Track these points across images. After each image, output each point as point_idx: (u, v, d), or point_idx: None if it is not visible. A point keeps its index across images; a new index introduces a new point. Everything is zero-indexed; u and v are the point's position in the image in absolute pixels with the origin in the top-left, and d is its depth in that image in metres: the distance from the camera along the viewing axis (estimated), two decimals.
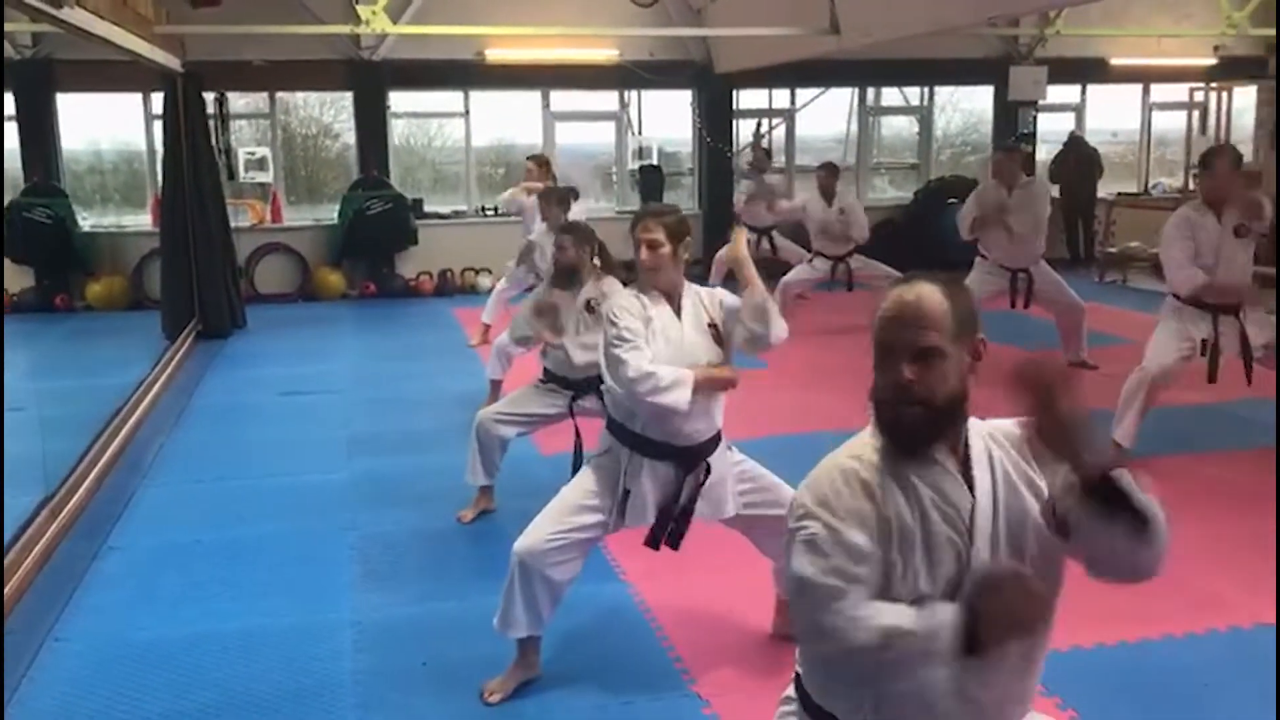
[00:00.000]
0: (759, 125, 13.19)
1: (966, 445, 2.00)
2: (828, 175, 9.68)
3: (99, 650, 3.91)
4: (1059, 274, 8.05)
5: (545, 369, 5.10)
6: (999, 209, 7.69)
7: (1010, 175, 7.80)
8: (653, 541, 3.56)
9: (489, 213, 12.43)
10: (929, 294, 1.93)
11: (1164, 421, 6.46)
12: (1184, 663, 3.71)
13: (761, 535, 3.67)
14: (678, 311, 3.52)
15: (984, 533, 1.95)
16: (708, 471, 3.54)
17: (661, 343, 3.44)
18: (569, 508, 3.53)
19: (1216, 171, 5.44)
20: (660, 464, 3.52)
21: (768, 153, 11.96)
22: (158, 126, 11.06)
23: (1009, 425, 2.01)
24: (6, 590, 4.21)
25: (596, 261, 5.01)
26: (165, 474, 5.99)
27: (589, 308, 4.89)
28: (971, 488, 1.97)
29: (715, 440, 3.59)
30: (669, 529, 3.54)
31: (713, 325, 3.52)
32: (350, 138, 12.78)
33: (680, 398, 3.35)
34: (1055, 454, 1.87)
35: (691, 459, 3.53)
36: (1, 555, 4.30)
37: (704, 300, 3.58)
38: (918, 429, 1.94)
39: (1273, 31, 11.86)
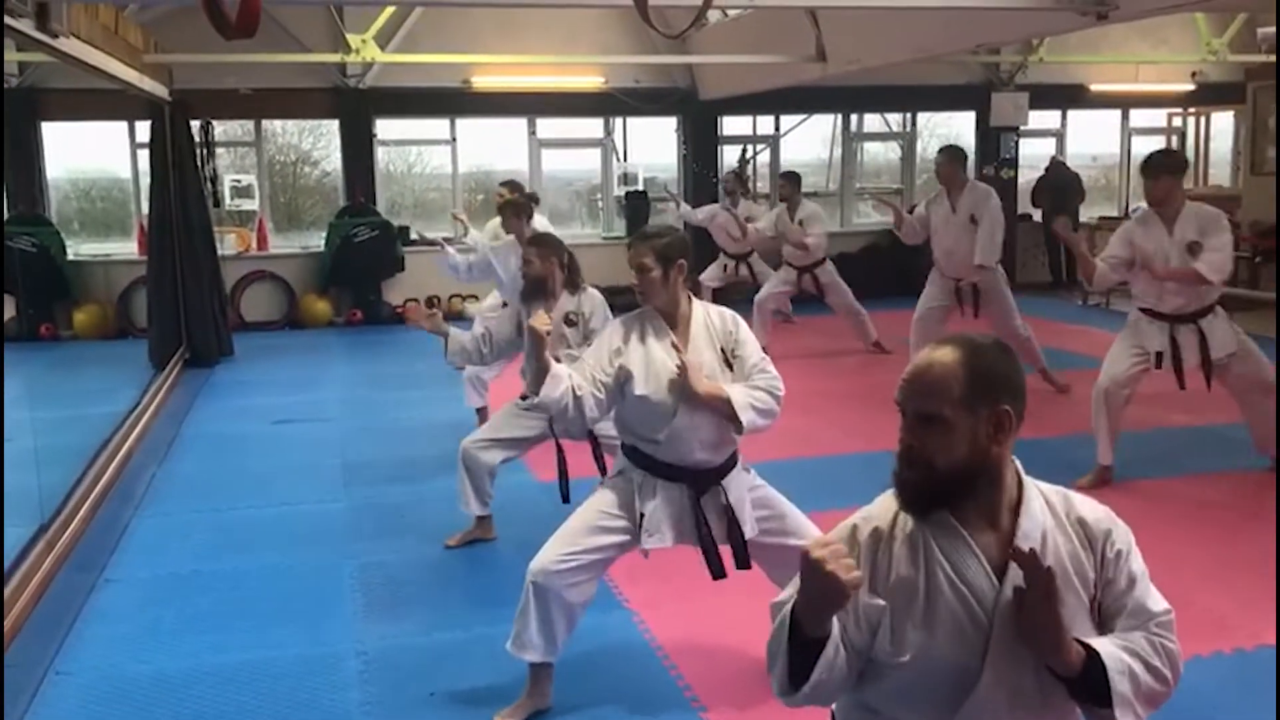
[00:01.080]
0: (744, 151, 13.29)
1: (1015, 523, 1.95)
2: (787, 185, 9.74)
3: (102, 683, 3.87)
4: (1018, 296, 8.11)
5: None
6: (916, 215, 7.95)
7: (949, 178, 7.77)
8: (716, 570, 3.56)
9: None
10: (942, 359, 1.91)
11: (1159, 444, 6.54)
12: (1190, 685, 3.69)
13: (772, 564, 3.66)
14: (684, 332, 3.50)
15: (1007, 621, 1.91)
16: (725, 494, 3.53)
17: (641, 367, 3.43)
18: (584, 528, 3.51)
19: (1156, 178, 5.55)
20: (673, 486, 3.51)
21: (743, 180, 11.96)
22: (143, 154, 11.07)
23: (1087, 509, 2.03)
24: (5, 623, 4.18)
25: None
26: (159, 504, 5.95)
27: (568, 321, 4.79)
28: (1003, 573, 1.92)
29: (730, 463, 3.57)
30: (716, 550, 3.55)
31: (726, 356, 3.51)
32: (330, 165, 12.81)
33: (542, 393, 3.40)
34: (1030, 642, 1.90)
35: (704, 482, 3.52)
36: (1, 589, 4.26)
37: (714, 322, 3.55)
38: (915, 493, 1.93)
39: (1251, 58, 12.04)
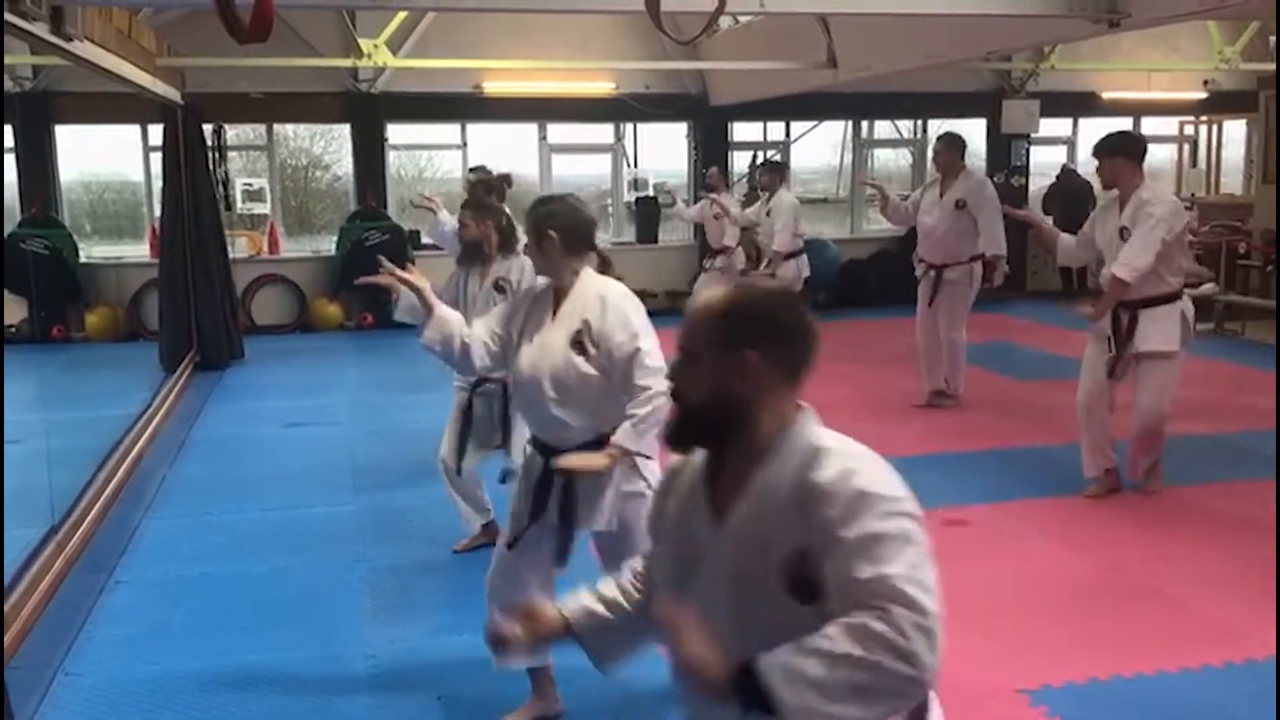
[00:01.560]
0: (754, 157, 13.30)
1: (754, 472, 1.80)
2: (766, 175, 9.69)
3: (111, 685, 3.88)
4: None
5: None
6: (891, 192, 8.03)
7: (946, 166, 7.72)
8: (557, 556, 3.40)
9: None
10: (710, 298, 1.88)
11: (1176, 453, 6.51)
12: (1202, 696, 3.70)
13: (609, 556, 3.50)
14: (556, 308, 3.33)
15: (713, 565, 1.82)
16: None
17: (526, 333, 3.35)
18: (509, 521, 3.50)
19: (1100, 159, 5.60)
20: (536, 459, 3.41)
21: (725, 178, 11.91)
22: (155, 158, 11.12)
23: (830, 472, 1.72)
24: (14, 625, 4.19)
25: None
26: (169, 507, 5.96)
27: (497, 287, 4.74)
28: (721, 522, 1.83)
29: (594, 445, 3.28)
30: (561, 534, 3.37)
31: (579, 338, 3.26)
32: (340, 169, 12.85)
33: (425, 334, 3.35)
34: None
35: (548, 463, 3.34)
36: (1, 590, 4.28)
37: (584, 301, 3.29)
38: (671, 428, 1.90)
39: (1264, 66, 12.00)
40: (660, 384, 3.08)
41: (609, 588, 2.12)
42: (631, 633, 2.12)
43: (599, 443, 3.26)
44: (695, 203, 11.56)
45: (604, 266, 3.43)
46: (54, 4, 5.20)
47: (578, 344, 3.26)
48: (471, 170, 7.95)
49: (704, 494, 1.88)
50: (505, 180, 7.28)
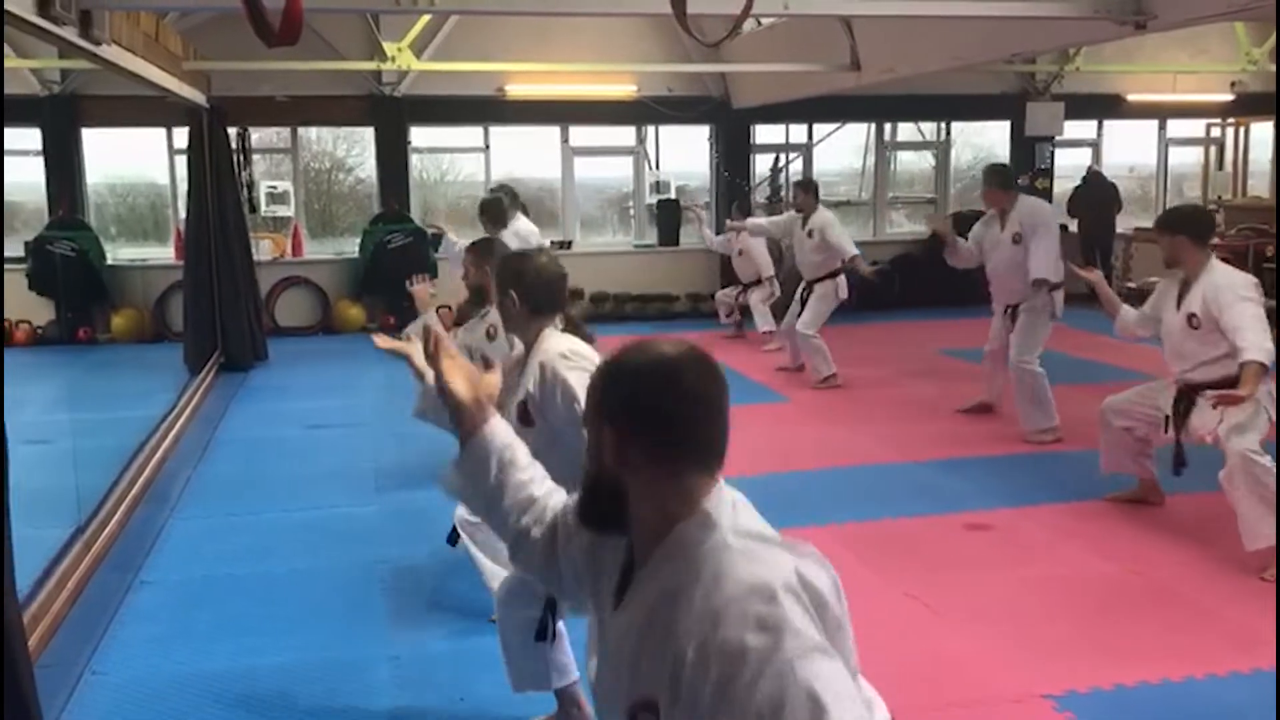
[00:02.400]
0: (776, 160, 13.29)
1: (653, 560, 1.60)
2: (799, 193, 9.31)
3: (137, 684, 3.90)
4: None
5: None
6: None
7: (992, 201, 7.22)
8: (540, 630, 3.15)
9: None
10: (603, 363, 1.70)
11: (1207, 459, 6.46)
12: (1229, 703, 3.67)
13: None
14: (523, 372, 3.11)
15: (611, 648, 1.65)
16: None
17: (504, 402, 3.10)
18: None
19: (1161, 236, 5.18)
20: None
21: (747, 208, 11.80)
22: (180, 160, 11.20)
23: (732, 616, 1.41)
24: (42, 623, 4.22)
25: None
26: (194, 507, 6.00)
27: (489, 335, 4.62)
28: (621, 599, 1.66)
29: None
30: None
31: (524, 408, 3.05)
32: (364, 172, 12.90)
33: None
34: None
35: None
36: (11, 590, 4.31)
37: (530, 376, 3.06)
38: (578, 499, 1.76)
39: None
40: None
41: (531, 465, 2.04)
42: (503, 489, 2.02)
43: None
44: (721, 208, 11.59)
45: (569, 327, 3.17)
46: (83, 8, 5.25)
47: (523, 415, 3.05)
48: (491, 190, 8.03)
49: (615, 574, 1.69)
50: (511, 195, 7.31)
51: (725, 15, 5.29)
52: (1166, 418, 5.22)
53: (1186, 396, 5.12)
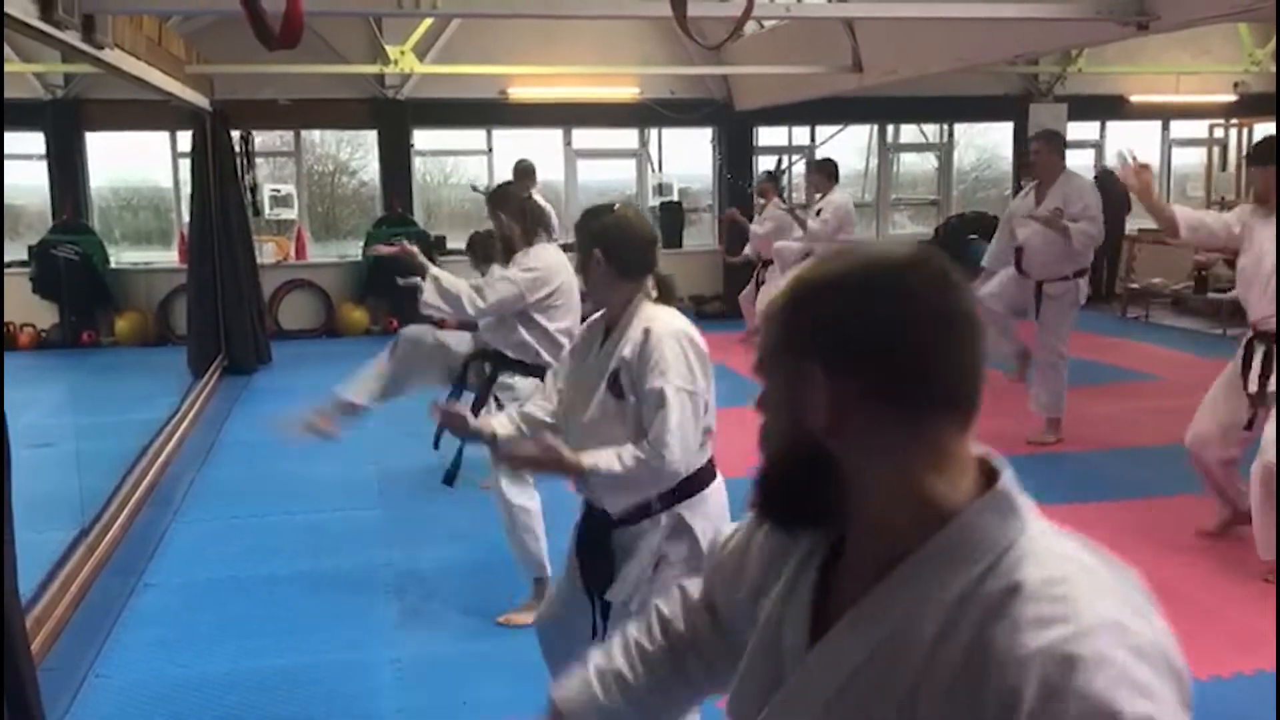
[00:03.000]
0: (779, 162, 13.28)
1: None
2: (815, 173, 9.50)
3: (140, 687, 3.91)
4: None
5: None
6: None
7: (1045, 168, 6.83)
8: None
9: None
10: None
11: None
12: (1235, 705, 3.67)
13: None
14: (603, 343, 2.83)
15: (802, 693, 1.15)
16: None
17: (572, 375, 2.96)
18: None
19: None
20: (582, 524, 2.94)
21: (776, 181, 11.83)
22: (184, 164, 11.22)
23: (1026, 623, 0.97)
24: (46, 626, 4.23)
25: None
26: (197, 510, 6.01)
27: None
28: (825, 626, 1.14)
29: (635, 514, 2.76)
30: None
31: (616, 379, 2.73)
32: (365, 175, 12.93)
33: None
34: None
35: (594, 528, 2.85)
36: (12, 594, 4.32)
37: (628, 344, 2.73)
38: (756, 488, 1.20)
39: None
40: (659, 447, 2.61)
41: (623, 652, 1.55)
42: (648, 705, 1.53)
43: (641, 511, 2.75)
44: (723, 210, 11.55)
45: (662, 292, 2.85)
46: (86, 12, 5.26)
47: (614, 387, 2.73)
48: (517, 164, 8.43)
49: (809, 587, 1.20)
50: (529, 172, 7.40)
51: (724, 18, 5.31)
52: (1250, 396, 4.73)
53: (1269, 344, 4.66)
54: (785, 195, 11.68)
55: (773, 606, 1.24)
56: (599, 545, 2.82)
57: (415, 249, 4.94)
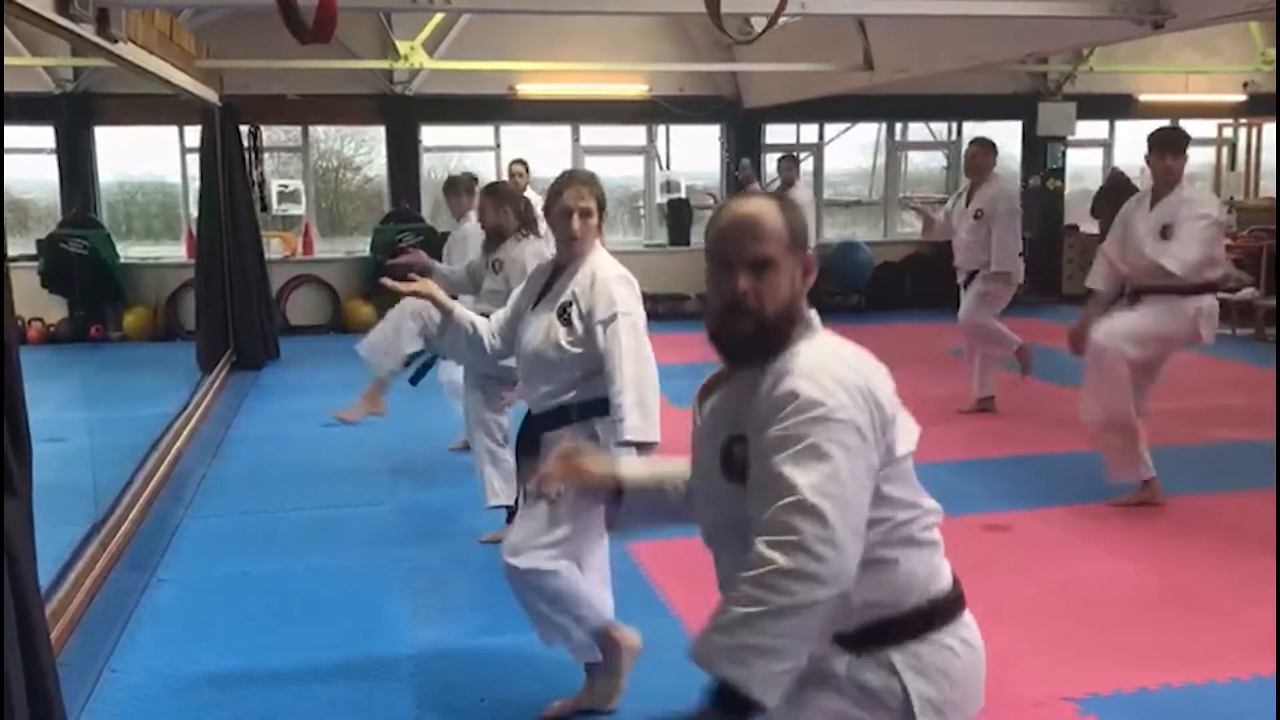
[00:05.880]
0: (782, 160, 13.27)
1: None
2: (784, 168, 10.11)
3: (156, 682, 3.90)
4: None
5: None
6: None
7: (973, 170, 7.71)
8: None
9: None
10: (765, 207, 1.89)
11: (1214, 460, 6.45)
12: (1252, 706, 3.65)
13: None
14: (551, 280, 3.45)
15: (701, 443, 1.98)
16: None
17: (526, 309, 3.49)
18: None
19: None
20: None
21: (759, 171, 12.04)
22: (192, 159, 11.22)
23: (802, 376, 1.77)
24: (61, 622, 4.22)
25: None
26: (209, 505, 6.00)
27: (493, 267, 4.87)
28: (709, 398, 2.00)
29: (556, 413, 3.39)
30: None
31: (565, 310, 3.33)
32: (370, 171, 12.93)
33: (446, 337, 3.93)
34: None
35: (538, 427, 3.43)
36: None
37: (578, 282, 3.35)
38: (745, 340, 1.86)
39: None
40: (630, 370, 3.20)
41: (671, 465, 2.18)
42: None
43: (559, 412, 3.36)
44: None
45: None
46: (100, 6, 5.25)
47: (563, 316, 3.32)
48: (514, 164, 8.53)
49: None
50: (474, 179, 7.57)
51: (739, 14, 5.29)
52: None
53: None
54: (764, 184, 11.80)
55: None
56: (532, 445, 3.41)
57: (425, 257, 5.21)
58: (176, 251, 12.04)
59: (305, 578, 4.87)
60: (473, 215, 6.46)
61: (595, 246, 3.43)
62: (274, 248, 11.66)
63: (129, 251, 11.99)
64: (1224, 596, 4.51)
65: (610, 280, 3.33)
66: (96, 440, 6.88)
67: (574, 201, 3.35)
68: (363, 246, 12.32)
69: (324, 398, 8.64)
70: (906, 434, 1.87)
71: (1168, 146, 5.51)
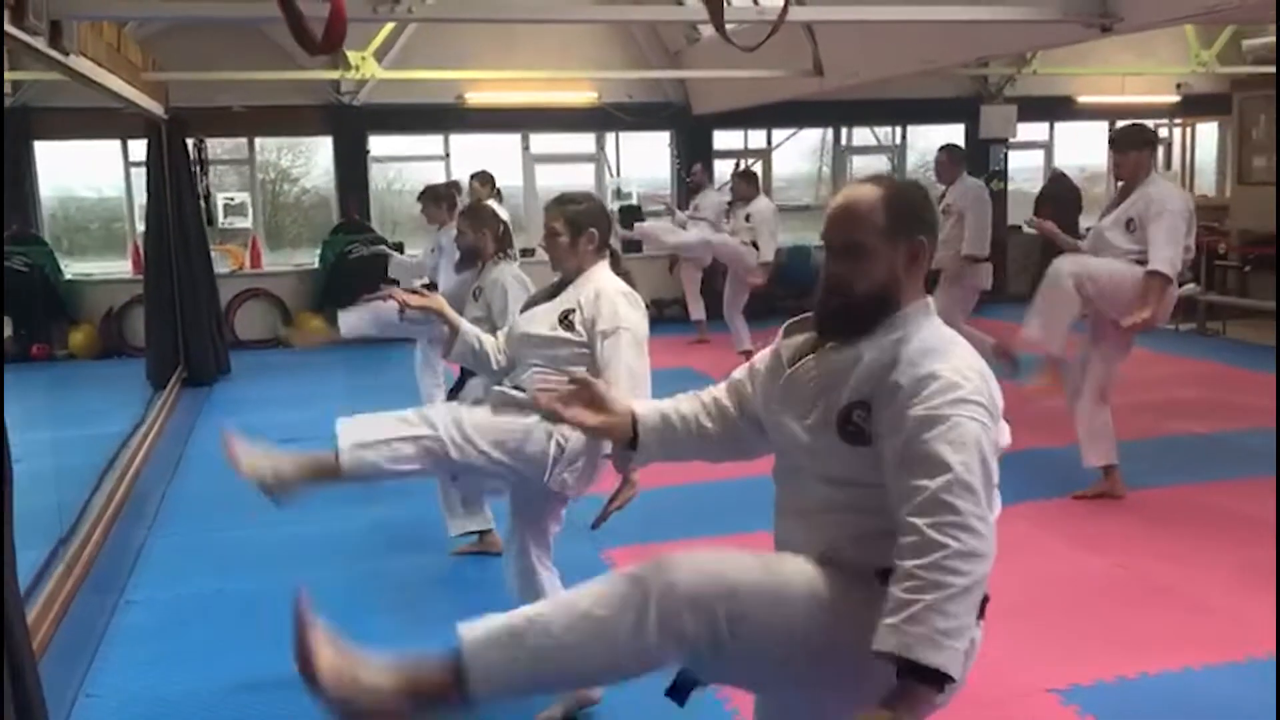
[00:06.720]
0: (736, 165, 13.33)
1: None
2: (740, 183, 10.10)
3: (135, 705, 3.83)
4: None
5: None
6: None
7: (948, 176, 8.06)
8: None
9: None
10: (861, 193, 2.00)
11: (1169, 453, 6.59)
12: (1229, 692, 3.74)
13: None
14: (558, 291, 3.55)
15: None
16: None
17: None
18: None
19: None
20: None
21: (710, 175, 12.14)
22: (136, 172, 11.03)
23: (933, 355, 1.91)
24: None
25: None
26: (173, 524, 5.90)
27: (474, 294, 4.83)
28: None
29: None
30: None
31: (567, 315, 3.43)
32: (309, 182, 12.83)
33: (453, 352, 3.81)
34: None
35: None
36: None
37: (582, 294, 3.46)
38: (832, 317, 2.01)
39: (1237, 70, 12.19)
40: (625, 385, 3.17)
41: (688, 403, 2.30)
42: (689, 449, 2.32)
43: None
44: (681, 208, 11.67)
45: (615, 263, 3.60)
46: (53, 18, 5.15)
47: (565, 320, 3.43)
48: (473, 177, 8.43)
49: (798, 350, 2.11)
50: (455, 187, 7.53)
51: (685, 21, 5.29)
52: None
53: None
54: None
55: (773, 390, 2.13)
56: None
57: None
58: (123, 267, 11.82)
59: (281, 595, 4.70)
60: (453, 230, 6.43)
61: (598, 265, 3.51)
62: (221, 261, 11.49)
63: (74, 268, 11.75)
64: (1194, 586, 4.62)
65: (615, 295, 3.42)
66: (52, 461, 6.72)
67: (546, 224, 3.54)
68: (311, 259, 12.19)
69: (279, 412, 8.55)
70: (1004, 429, 2.00)
71: (1132, 142, 5.61)
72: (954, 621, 1.74)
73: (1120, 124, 6.36)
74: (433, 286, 6.33)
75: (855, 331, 1.99)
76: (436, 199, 6.77)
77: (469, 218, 5.02)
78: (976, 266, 7.88)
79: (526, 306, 3.66)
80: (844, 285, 1.98)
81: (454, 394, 4.81)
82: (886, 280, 1.97)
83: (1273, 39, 11.98)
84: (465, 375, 4.73)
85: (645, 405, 2.32)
